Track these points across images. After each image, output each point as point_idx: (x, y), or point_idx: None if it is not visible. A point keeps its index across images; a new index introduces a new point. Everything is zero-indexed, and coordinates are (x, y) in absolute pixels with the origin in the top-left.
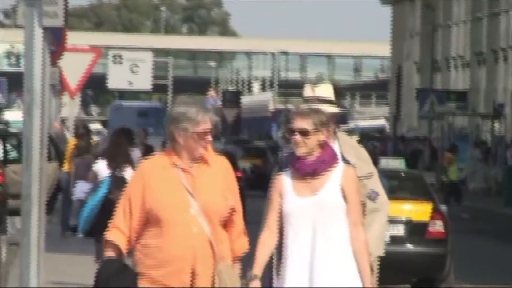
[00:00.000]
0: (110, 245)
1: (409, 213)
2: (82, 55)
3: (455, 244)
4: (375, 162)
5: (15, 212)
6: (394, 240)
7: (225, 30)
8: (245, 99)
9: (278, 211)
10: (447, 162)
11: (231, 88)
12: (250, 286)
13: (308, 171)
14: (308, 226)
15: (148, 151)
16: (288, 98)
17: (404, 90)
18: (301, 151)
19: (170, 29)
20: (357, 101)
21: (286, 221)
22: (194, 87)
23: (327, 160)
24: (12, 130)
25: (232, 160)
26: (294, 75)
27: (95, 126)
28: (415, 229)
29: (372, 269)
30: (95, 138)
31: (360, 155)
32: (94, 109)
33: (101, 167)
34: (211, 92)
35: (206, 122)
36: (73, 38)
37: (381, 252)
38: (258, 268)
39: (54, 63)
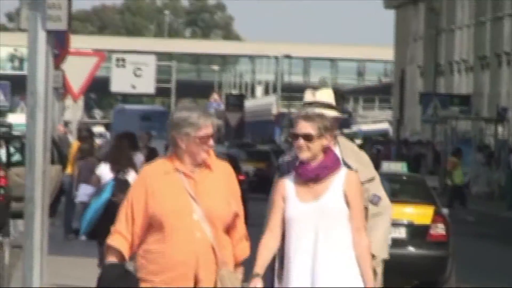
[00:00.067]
0: (112, 251)
1: (411, 216)
2: (85, 58)
3: (458, 247)
4: (378, 166)
5: (18, 215)
6: (396, 243)
7: (229, 34)
8: (249, 103)
9: (280, 215)
10: (452, 166)
11: (234, 92)
12: (251, 284)
13: (310, 176)
14: (310, 231)
15: (151, 154)
16: (292, 102)
17: (407, 94)
18: (304, 155)
19: (174, 33)
20: (360, 105)
21: (288, 226)
22: (197, 91)
23: (330, 165)
24: (15, 133)
25: (235, 163)
26: (297, 79)
27: (98, 129)
28: (417, 232)
29: (375, 273)
30: (98, 141)
31: (361, 159)
32: (97, 113)
33: (104, 171)
34: (215, 96)
35: (207, 127)
36: (77, 42)
37: (385, 255)
38: (259, 267)
39: (57, 66)
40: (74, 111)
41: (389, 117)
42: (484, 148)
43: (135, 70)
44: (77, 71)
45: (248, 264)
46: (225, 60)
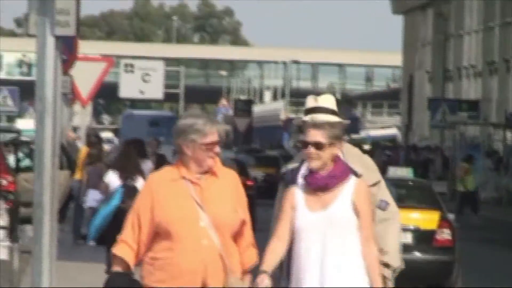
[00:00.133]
0: (117, 260)
1: (417, 221)
2: (93, 64)
3: (467, 252)
4: (385, 171)
5: (27, 220)
6: (402, 248)
7: (237, 39)
8: (257, 108)
9: (289, 224)
10: (464, 172)
11: (242, 97)
12: (259, 280)
13: (319, 185)
14: (318, 241)
15: (160, 160)
16: (300, 108)
17: (415, 100)
18: (315, 164)
19: (182, 38)
20: (368, 110)
21: (297, 235)
22: (206, 96)
23: (338, 175)
24: (24, 138)
25: (243, 169)
26: (305, 84)
27: (106, 134)
28: (423, 237)
29: (386, 282)
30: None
31: (365, 164)
32: (106, 118)
33: (112, 178)
34: (223, 101)
35: (213, 134)
36: (85, 47)
37: (401, 264)
38: (266, 266)
39: (65, 72)
40: (82, 117)
41: (398, 122)
42: (493, 153)
43: (144, 76)
44: (86, 77)
45: (255, 272)
46: (233, 66)
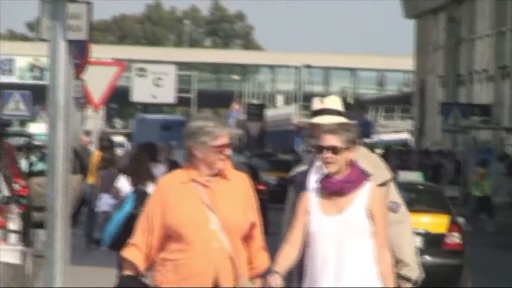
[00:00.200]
0: (127, 263)
1: (427, 225)
2: (105, 68)
3: (479, 256)
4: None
5: (40, 225)
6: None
7: (249, 44)
8: (269, 113)
9: (301, 230)
10: (480, 176)
11: (254, 101)
12: (271, 279)
13: (334, 190)
14: (333, 244)
15: (173, 166)
16: None
17: (428, 104)
18: (331, 168)
19: (194, 43)
20: (380, 114)
21: (311, 239)
22: (218, 100)
23: (353, 180)
24: (36, 142)
25: (254, 173)
26: (317, 88)
27: (119, 138)
28: (433, 241)
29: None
30: (118, 151)
31: (373, 162)
32: (118, 122)
33: (123, 183)
34: (235, 106)
35: (224, 136)
36: (97, 52)
37: (420, 273)
38: (278, 267)
39: (78, 76)
40: (95, 121)
41: (410, 126)
42: (505, 157)
43: (156, 80)
44: (98, 81)
45: (266, 273)
46: (246, 70)
